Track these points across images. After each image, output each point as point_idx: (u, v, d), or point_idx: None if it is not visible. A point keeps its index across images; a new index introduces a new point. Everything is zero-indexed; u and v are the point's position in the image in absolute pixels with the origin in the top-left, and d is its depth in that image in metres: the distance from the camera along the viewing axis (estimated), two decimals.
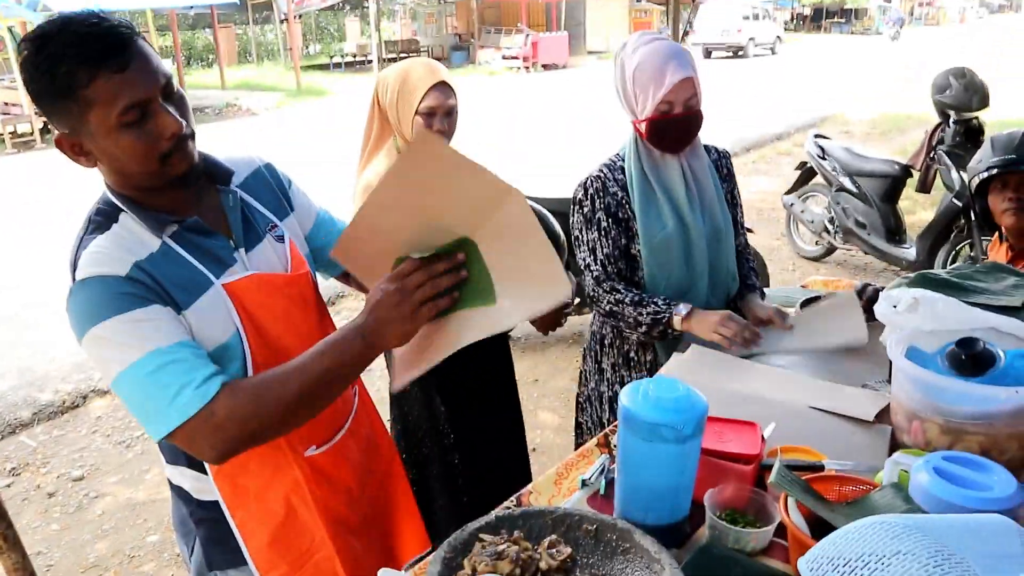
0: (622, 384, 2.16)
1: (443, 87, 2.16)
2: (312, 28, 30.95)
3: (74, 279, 1.23)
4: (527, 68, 23.45)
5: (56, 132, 1.22)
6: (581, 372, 2.38)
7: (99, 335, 1.20)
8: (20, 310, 5.72)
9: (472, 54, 24.22)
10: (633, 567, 1.24)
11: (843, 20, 44.24)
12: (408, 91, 2.15)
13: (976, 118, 4.91)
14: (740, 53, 27.51)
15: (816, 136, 5.92)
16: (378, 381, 4.07)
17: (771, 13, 29.96)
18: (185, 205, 1.35)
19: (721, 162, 2.22)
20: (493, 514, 1.31)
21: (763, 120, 12.86)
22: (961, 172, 4.67)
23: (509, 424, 2.58)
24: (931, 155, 4.98)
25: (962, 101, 4.71)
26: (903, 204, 5.73)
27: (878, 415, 1.61)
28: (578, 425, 2.44)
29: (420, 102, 2.13)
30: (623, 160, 2.11)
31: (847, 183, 5.53)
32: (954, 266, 2.15)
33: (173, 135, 1.22)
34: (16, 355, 4.87)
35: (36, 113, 13.37)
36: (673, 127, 1.99)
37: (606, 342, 2.25)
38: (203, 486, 1.44)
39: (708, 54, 27.49)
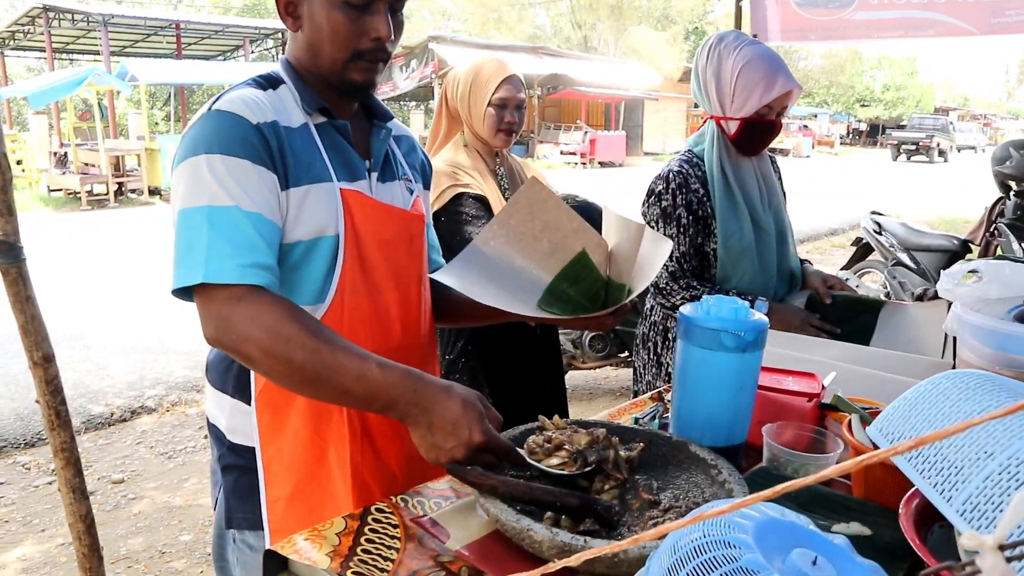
0: None
1: (515, 80, 2.24)
2: None
3: (210, 108, 1.21)
4: (584, 164, 23.93)
5: None
6: (635, 368, 2.31)
7: (197, 165, 1.16)
8: (83, 329, 5.92)
9: (531, 148, 24.81)
10: (689, 474, 1.20)
11: None
12: (480, 84, 2.24)
13: None
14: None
15: (872, 213, 5.90)
16: None
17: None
18: (342, 112, 1.35)
19: (775, 166, 2.25)
20: (541, 420, 1.29)
21: (820, 214, 12.85)
22: (1023, 244, 4.59)
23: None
24: (991, 229, 4.92)
25: None
26: None
27: None
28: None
29: (493, 94, 2.21)
30: (698, 157, 2.11)
31: (905, 258, 5.46)
32: None
33: (378, 39, 1.24)
34: (73, 370, 4.98)
35: (112, 175, 14.09)
36: (764, 131, 2.03)
37: (670, 336, 2.16)
38: (238, 424, 1.33)
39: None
